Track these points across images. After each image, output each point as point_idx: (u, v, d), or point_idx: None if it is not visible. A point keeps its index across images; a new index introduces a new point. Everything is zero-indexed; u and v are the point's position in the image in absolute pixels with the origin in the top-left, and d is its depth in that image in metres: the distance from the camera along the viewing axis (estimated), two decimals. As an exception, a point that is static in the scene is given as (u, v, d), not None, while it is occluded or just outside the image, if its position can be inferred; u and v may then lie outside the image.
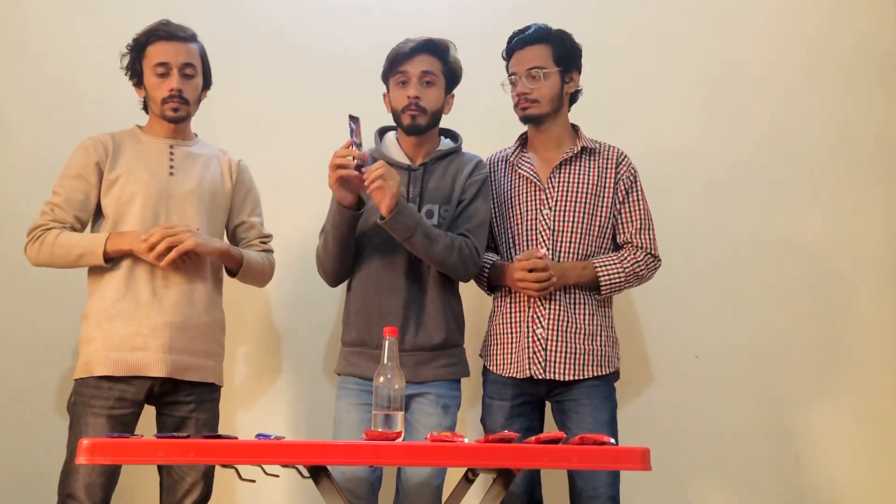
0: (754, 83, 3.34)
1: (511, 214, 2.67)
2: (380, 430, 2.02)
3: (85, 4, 3.21)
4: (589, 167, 2.66)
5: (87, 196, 2.52)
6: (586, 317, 2.58)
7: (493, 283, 2.67)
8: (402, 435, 2.03)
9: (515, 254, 2.63)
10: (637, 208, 2.67)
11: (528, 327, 2.56)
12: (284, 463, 1.95)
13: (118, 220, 2.50)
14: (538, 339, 2.54)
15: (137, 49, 2.56)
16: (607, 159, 2.68)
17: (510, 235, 2.66)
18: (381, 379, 2.08)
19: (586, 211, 2.62)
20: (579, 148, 2.66)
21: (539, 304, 2.56)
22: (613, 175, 2.66)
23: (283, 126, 3.20)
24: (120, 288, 2.46)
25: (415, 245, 2.43)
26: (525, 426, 2.54)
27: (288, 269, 2.99)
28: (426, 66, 2.54)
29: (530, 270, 2.50)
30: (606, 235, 2.66)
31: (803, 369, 3.19)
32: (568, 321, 2.56)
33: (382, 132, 2.69)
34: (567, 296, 2.58)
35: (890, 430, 3.17)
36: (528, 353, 2.54)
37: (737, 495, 3.14)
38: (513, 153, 2.72)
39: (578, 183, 2.64)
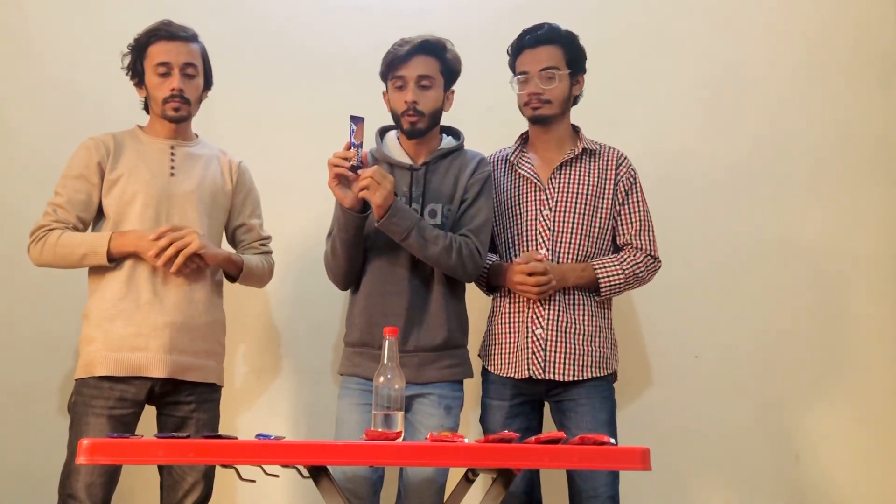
0: (754, 83, 3.34)
1: (511, 215, 2.67)
2: (380, 430, 2.02)
3: (85, 4, 3.21)
4: (589, 168, 2.66)
5: (89, 196, 2.52)
6: (586, 318, 2.58)
7: (493, 284, 2.67)
8: (403, 435, 2.03)
9: (515, 254, 2.63)
10: (637, 210, 2.67)
11: (527, 328, 2.56)
12: (284, 463, 1.95)
13: (119, 221, 2.50)
14: (538, 340, 2.54)
15: (139, 49, 2.56)
16: (607, 161, 2.68)
17: (510, 236, 2.66)
18: (382, 379, 2.08)
19: (586, 212, 2.62)
20: (580, 149, 2.66)
21: (539, 304, 2.56)
22: (613, 176, 2.66)
23: (283, 126, 3.20)
24: (121, 288, 2.46)
25: (411, 246, 2.44)
26: (524, 426, 2.54)
27: (288, 269, 2.99)
28: (423, 69, 2.52)
29: (530, 274, 2.50)
30: (606, 237, 2.66)
31: (803, 369, 3.19)
32: (568, 322, 2.56)
33: (383, 132, 2.69)
34: (567, 297, 2.58)
35: (890, 430, 3.17)
36: (528, 353, 2.54)
37: (737, 495, 3.14)
38: (513, 153, 2.72)
39: (579, 184, 2.64)
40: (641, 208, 2.68)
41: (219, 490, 2.57)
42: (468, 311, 2.66)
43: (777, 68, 3.35)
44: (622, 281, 2.60)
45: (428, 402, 2.49)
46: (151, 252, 2.41)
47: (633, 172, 2.69)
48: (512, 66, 2.69)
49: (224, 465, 1.96)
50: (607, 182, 2.66)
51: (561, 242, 2.61)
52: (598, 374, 2.56)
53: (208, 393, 2.55)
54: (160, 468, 2.53)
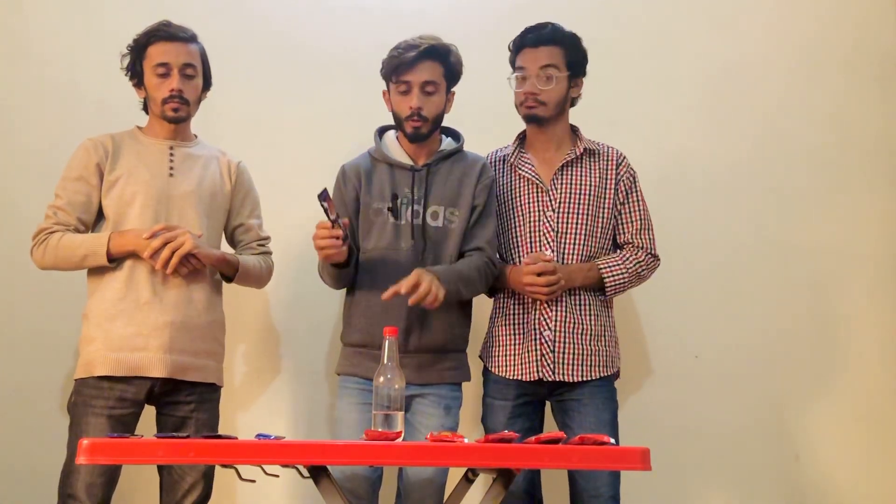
0: (754, 83, 3.34)
1: (513, 217, 2.66)
2: (380, 430, 2.02)
3: (85, 4, 3.21)
4: (591, 169, 2.66)
5: (88, 197, 2.52)
6: (592, 318, 2.59)
7: (495, 286, 2.67)
8: (403, 435, 2.03)
9: (518, 256, 2.62)
10: (637, 209, 2.68)
11: (534, 330, 2.56)
12: (284, 463, 1.95)
13: (118, 221, 2.50)
14: (546, 342, 2.54)
15: (138, 49, 2.56)
16: (607, 160, 2.68)
17: (512, 237, 2.66)
18: (381, 379, 2.08)
19: (589, 212, 2.62)
20: (581, 150, 2.66)
21: (545, 306, 2.56)
22: (614, 176, 2.67)
23: (282, 126, 3.19)
24: (120, 288, 2.46)
25: (461, 296, 2.52)
26: (526, 426, 2.54)
27: (287, 268, 2.99)
28: (428, 75, 2.52)
29: (539, 275, 2.49)
30: (608, 236, 2.67)
31: (803, 369, 3.19)
32: (575, 323, 2.56)
33: (382, 131, 2.69)
34: (572, 297, 2.58)
35: (890, 430, 3.18)
36: (536, 355, 2.54)
37: (737, 495, 3.14)
38: (512, 154, 2.72)
39: (581, 185, 2.64)
40: (642, 207, 2.68)
41: (219, 490, 2.57)
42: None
43: (777, 68, 3.35)
44: (626, 280, 2.61)
45: (427, 402, 2.50)
46: (146, 253, 2.41)
47: (632, 172, 2.70)
48: (512, 62, 2.69)
49: (224, 465, 1.96)
50: (608, 182, 2.66)
51: (565, 243, 2.61)
52: (605, 374, 2.57)
53: (208, 393, 2.55)
54: (160, 468, 2.52)
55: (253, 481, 1.97)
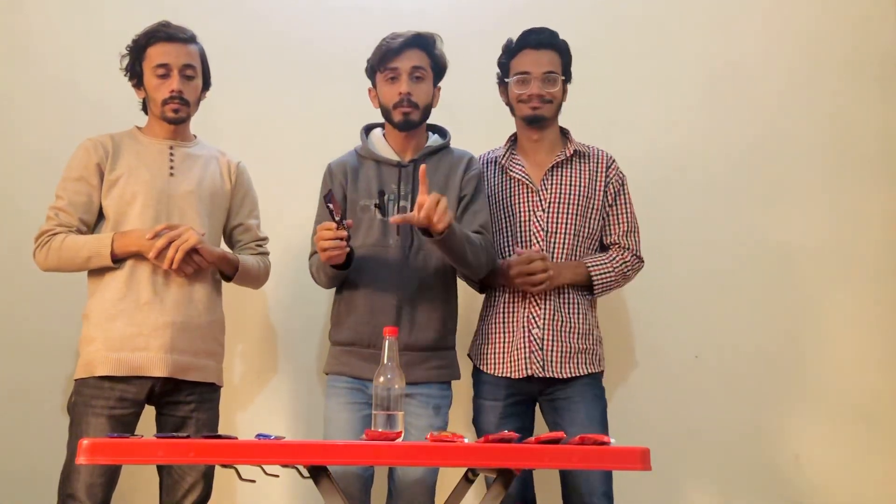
0: (754, 83, 3.34)
1: (503, 217, 2.68)
2: (380, 430, 2.02)
3: (85, 4, 3.21)
4: (580, 170, 2.69)
5: (89, 198, 2.52)
6: (579, 316, 2.61)
7: (486, 283, 2.67)
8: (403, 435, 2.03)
9: (508, 256, 2.64)
10: (625, 211, 2.71)
11: (523, 327, 2.58)
12: (284, 463, 1.95)
13: (119, 221, 2.50)
14: (535, 339, 2.56)
15: (137, 50, 2.56)
16: (597, 162, 2.71)
17: (502, 237, 2.67)
18: (382, 379, 2.07)
19: (579, 213, 2.65)
20: (571, 151, 2.68)
21: (534, 304, 2.58)
22: (603, 178, 2.69)
23: (282, 126, 3.20)
24: (121, 288, 2.46)
25: (463, 255, 2.42)
26: (518, 426, 2.54)
27: (286, 268, 2.99)
28: (416, 61, 2.53)
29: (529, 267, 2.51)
30: (596, 237, 2.70)
31: (803, 369, 3.19)
32: (562, 321, 2.58)
33: (368, 129, 2.68)
34: (560, 296, 2.60)
35: (889, 430, 3.18)
36: (525, 352, 2.56)
37: (736, 495, 3.14)
38: (503, 155, 2.73)
39: (571, 186, 2.66)
40: (629, 210, 2.72)
41: (219, 490, 2.57)
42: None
43: (776, 68, 3.35)
44: (613, 279, 2.64)
45: (416, 403, 2.47)
46: (151, 253, 2.41)
47: (621, 174, 2.73)
48: (505, 63, 2.69)
49: (224, 465, 1.96)
50: (597, 183, 2.69)
51: (554, 243, 2.62)
52: (592, 371, 2.59)
53: (208, 393, 2.55)
54: (160, 468, 2.53)
55: (253, 481, 1.97)
